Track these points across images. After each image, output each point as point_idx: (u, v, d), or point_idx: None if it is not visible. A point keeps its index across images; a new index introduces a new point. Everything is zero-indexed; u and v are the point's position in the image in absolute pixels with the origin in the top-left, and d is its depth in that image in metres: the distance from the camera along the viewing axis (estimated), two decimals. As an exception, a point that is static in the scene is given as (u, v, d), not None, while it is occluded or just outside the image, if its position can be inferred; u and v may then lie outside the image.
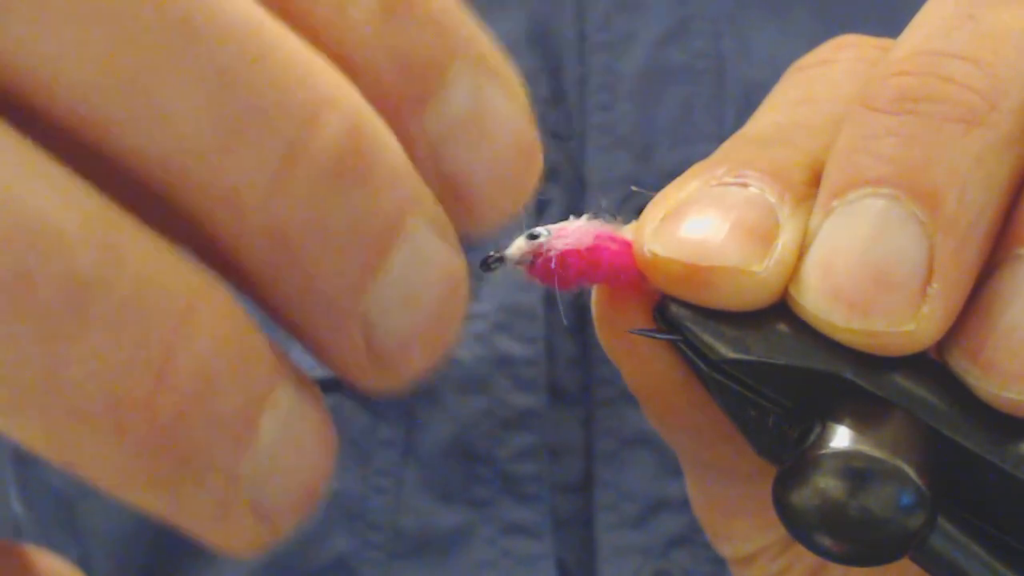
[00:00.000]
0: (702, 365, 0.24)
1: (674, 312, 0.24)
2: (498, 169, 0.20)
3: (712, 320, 0.24)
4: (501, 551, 0.50)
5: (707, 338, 0.24)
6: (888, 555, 0.23)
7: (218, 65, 0.17)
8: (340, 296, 0.18)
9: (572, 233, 0.26)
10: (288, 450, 0.18)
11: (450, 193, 0.19)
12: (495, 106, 0.20)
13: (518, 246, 0.26)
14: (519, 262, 0.26)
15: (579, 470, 0.50)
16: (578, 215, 0.26)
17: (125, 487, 0.18)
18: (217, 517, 0.18)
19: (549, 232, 0.26)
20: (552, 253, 0.26)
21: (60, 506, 0.49)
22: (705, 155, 0.54)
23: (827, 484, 0.23)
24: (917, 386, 0.23)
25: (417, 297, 0.19)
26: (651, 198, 0.51)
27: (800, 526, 0.23)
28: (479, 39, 0.20)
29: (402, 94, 0.19)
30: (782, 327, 0.24)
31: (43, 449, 0.17)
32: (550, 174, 0.50)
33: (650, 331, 0.25)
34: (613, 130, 0.50)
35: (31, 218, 0.16)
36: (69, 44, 0.16)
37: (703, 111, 0.50)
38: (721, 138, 0.51)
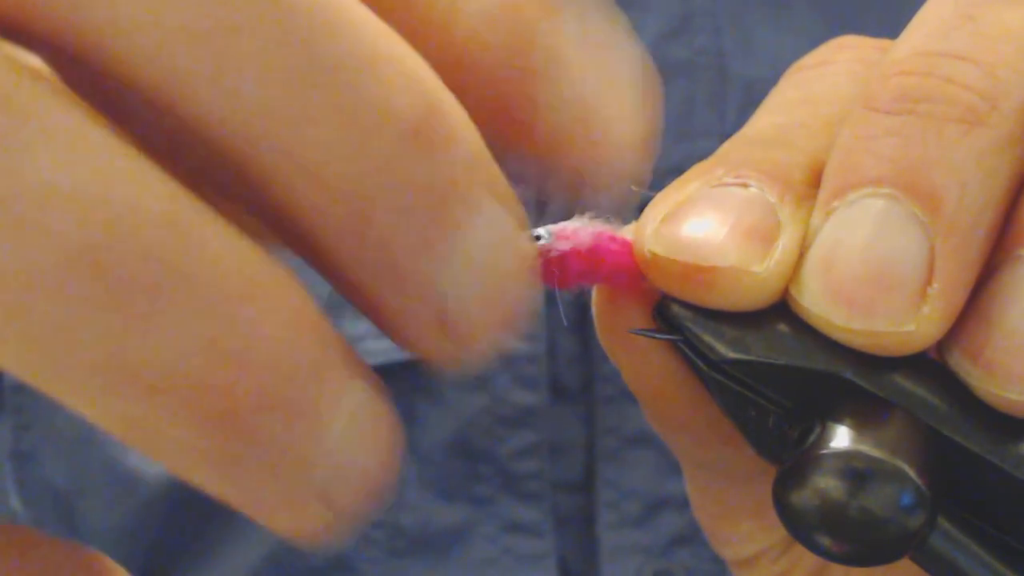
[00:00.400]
0: (702, 365, 0.24)
1: (674, 312, 0.24)
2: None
3: (712, 320, 0.24)
4: (502, 549, 0.50)
5: (707, 338, 0.24)
6: (888, 555, 0.23)
7: (303, 29, 0.17)
8: (415, 264, 0.18)
9: (572, 234, 0.26)
10: (358, 440, 0.18)
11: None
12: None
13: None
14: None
15: (580, 468, 0.50)
16: (580, 213, 0.26)
17: (198, 470, 0.18)
18: (286, 503, 0.18)
19: (550, 233, 0.26)
20: (553, 255, 0.26)
21: (59, 504, 0.49)
22: (707, 151, 0.54)
23: (827, 484, 0.23)
24: (917, 386, 0.23)
25: (489, 270, 0.19)
26: (651, 197, 0.51)
27: (800, 526, 0.23)
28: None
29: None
30: (782, 327, 0.24)
31: (119, 430, 0.17)
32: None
33: (650, 331, 0.25)
34: None
35: (111, 196, 0.16)
36: (152, 4, 0.16)
37: (704, 107, 0.50)
38: (723, 134, 0.51)
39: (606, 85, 0.20)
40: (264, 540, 0.49)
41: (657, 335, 0.25)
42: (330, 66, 0.17)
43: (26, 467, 0.50)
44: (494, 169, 0.19)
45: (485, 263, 0.19)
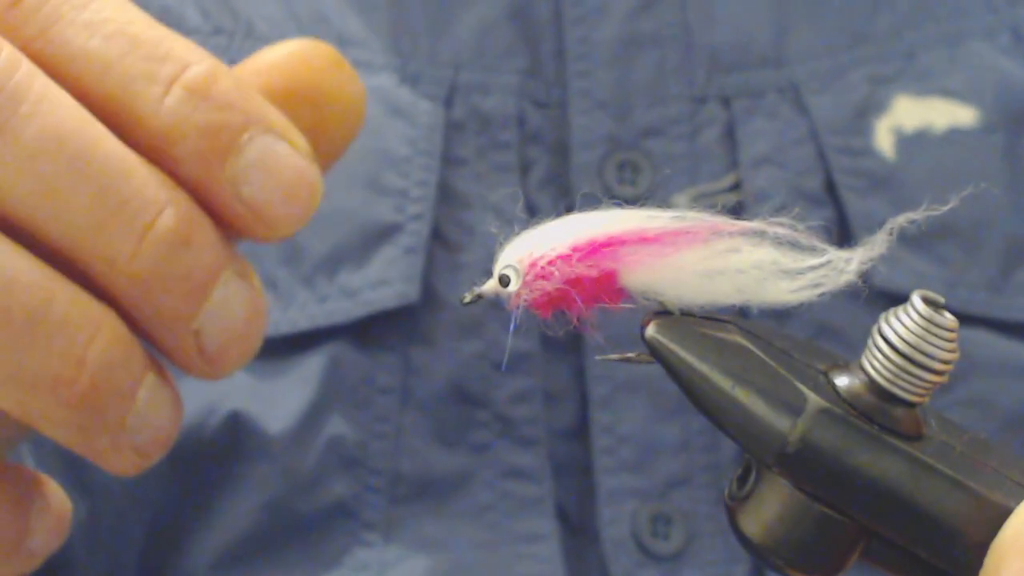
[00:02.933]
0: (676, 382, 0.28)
1: (649, 335, 0.28)
2: (283, 194, 0.30)
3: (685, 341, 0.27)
4: (500, 494, 0.50)
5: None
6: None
7: (95, 187, 0.28)
8: (179, 320, 0.30)
9: (542, 268, 0.28)
10: (155, 410, 0.31)
11: (251, 214, 0.30)
12: (279, 154, 0.30)
13: (491, 286, 0.30)
14: (498, 295, 0.30)
15: (574, 415, 0.51)
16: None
17: (59, 434, 0.29)
18: (113, 453, 0.30)
19: (518, 273, 0.29)
20: (521, 300, 0.29)
21: (71, 465, 0.50)
22: (677, 114, 0.57)
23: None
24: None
25: (231, 318, 0.30)
26: (632, 155, 0.54)
27: (751, 552, 0.28)
28: (266, 110, 0.30)
29: (208, 153, 0.29)
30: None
31: (14, 412, 0.29)
32: (533, 138, 0.53)
33: (624, 357, 0.29)
34: (591, 94, 0.53)
35: None
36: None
37: (674, 74, 0.53)
38: (692, 97, 0.54)
39: (268, 191, 0.30)
40: (260, 490, 0.49)
41: (631, 359, 0.29)
42: (116, 204, 0.29)
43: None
44: (231, 252, 0.30)
45: (228, 313, 0.30)
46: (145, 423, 0.30)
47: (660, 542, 0.50)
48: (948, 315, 0.27)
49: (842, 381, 0.27)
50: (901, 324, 0.27)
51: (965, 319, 0.52)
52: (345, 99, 0.33)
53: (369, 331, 0.50)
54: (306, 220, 0.31)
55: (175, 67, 0.29)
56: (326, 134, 0.32)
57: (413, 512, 0.50)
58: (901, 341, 0.26)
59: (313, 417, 0.50)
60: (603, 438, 0.51)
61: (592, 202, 0.51)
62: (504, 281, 0.29)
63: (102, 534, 0.50)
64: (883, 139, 0.53)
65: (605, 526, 0.50)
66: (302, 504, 0.50)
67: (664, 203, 0.52)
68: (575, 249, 0.29)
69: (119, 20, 0.30)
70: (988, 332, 0.52)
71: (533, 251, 0.29)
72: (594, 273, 0.29)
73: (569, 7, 0.54)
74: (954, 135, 0.53)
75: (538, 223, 0.30)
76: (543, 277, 0.29)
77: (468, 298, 0.30)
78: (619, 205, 0.51)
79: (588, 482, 0.51)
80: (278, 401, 0.50)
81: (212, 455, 0.50)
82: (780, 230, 0.29)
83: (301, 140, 0.31)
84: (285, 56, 0.32)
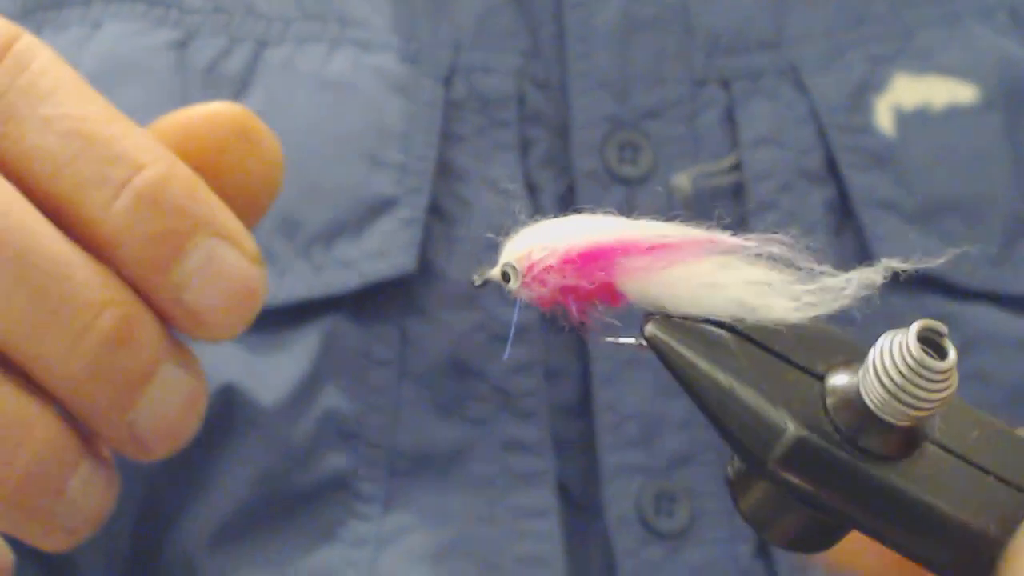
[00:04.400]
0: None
1: (649, 333, 0.28)
2: (224, 301, 0.30)
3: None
4: (500, 467, 0.49)
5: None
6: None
7: (33, 287, 0.29)
8: (113, 413, 0.30)
9: (540, 273, 0.28)
10: (87, 499, 0.31)
11: (191, 319, 0.30)
12: (223, 260, 0.30)
13: (496, 273, 0.30)
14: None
15: (576, 392, 0.51)
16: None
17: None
18: (46, 537, 0.31)
19: (517, 273, 0.29)
20: (522, 296, 0.29)
21: None
22: (678, 96, 0.57)
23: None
24: None
25: (165, 409, 0.31)
26: (633, 136, 0.54)
27: (752, 526, 0.28)
28: (215, 213, 0.30)
29: (152, 260, 0.30)
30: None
31: None
32: (535, 118, 0.53)
33: (625, 343, 0.29)
34: (592, 75, 0.53)
35: None
36: None
37: (673, 57, 0.53)
38: (692, 80, 0.54)
39: (209, 299, 0.30)
40: (254, 463, 0.49)
41: (630, 344, 0.29)
42: (54, 308, 0.29)
43: None
44: (171, 345, 0.30)
45: (164, 406, 0.30)
46: (76, 509, 0.30)
47: (664, 519, 0.50)
48: (947, 354, 0.26)
49: (840, 380, 0.27)
50: (892, 360, 0.26)
51: (968, 294, 0.52)
52: (251, 170, 0.32)
53: (365, 304, 0.50)
54: (248, 324, 0.31)
55: (127, 170, 0.29)
56: (233, 202, 0.31)
57: (412, 485, 0.49)
58: (888, 378, 0.26)
59: (308, 390, 0.49)
60: (607, 415, 0.50)
61: (593, 180, 0.51)
62: (505, 277, 0.29)
63: None
64: (883, 117, 0.53)
65: (609, 503, 0.49)
66: (297, 477, 0.49)
67: (666, 183, 0.52)
68: (569, 261, 0.29)
69: (76, 116, 0.30)
70: (990, 307, 0.52)
71: (533, 253, 0.29)
72: (590, 284, 0.28)
73: None
74: (953, 112, 0.53)
75: (541, 219, 0.30)
76: (540, 282, 0.29)
77: (478, 281, 0.30)
78: (623, 185, 0.52)
79: (591, 459, 0.50)
80: (272, 374, 0.49)
81: (205, 428, 0.49)
82: (777, 248, 0.28)
83: (249, 243, 0.31)
84: (189, 122, 0.32)
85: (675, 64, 0.53)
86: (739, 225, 0.54)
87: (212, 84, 0.52)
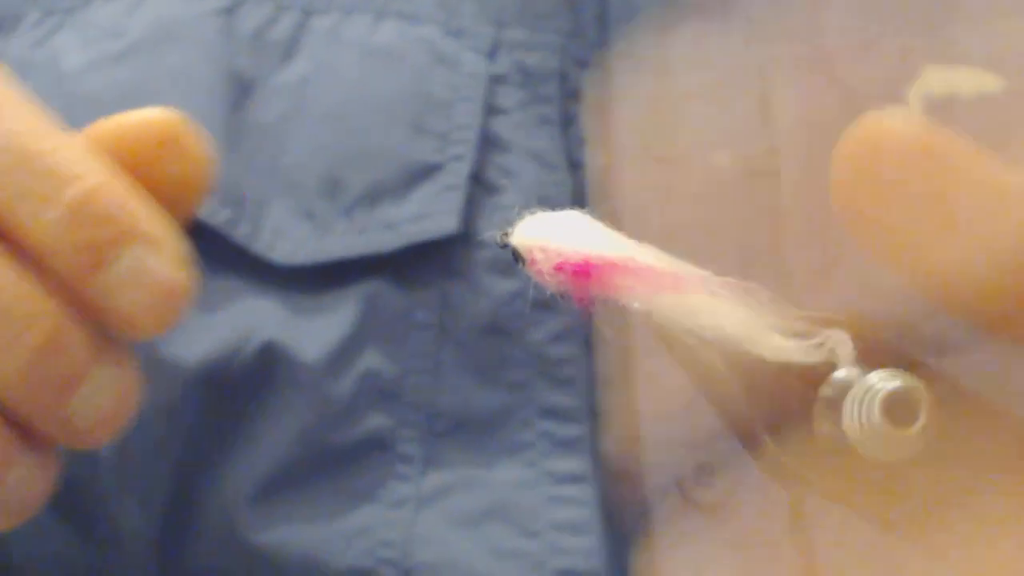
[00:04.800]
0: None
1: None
2: (149, 305, 0.32)
3: None
4: (539, 433, 0.49)
5: None
6: None
7: None
8: (48, 412, 0.32)
9: (540, 268, 0.29)
10: (24, 485, 0.34)
11: (121, 322, 0.32)
12: (148, 267, 0.32)
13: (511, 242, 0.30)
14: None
15: (614, 363, 0.50)
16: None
17: None
18: None
19: (523, 261, 0.30)
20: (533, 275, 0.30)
21: None
22: (720, 78, 0.57)
23: None
24: None
25: (98, 407, 0.33)
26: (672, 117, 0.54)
27: None
28: (142, 222, 0.32)
29: (81, 268, 0.31)
30: None
31: None
32: (575, 94, 0.53)
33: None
34: (632, 54, 0.54)
35: None
36: None
37: (716, 37, 0.54)
38: (731, 65, 0.54)
39: (136, 302, 0.32)
40: (293, 420, 0.49)
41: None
42: None
43: None
44: (101, 350, 0.32)
45: (97, 403, 0.32)
46: (15, 497, 0.33)
47: (704, 490, 0.50)
48: (916, 422, 0.25)
49: (839, 375, 0.26)
50: (857, 417, 0.25)
51: None
52: (182, 173, 0.34)
53: (407, 267, 0.50)
54: (175, 325, 0.33)
55: (57, 183, 0.31)
56: (165, 204, 0.33)
57: (451, 447, 0.49)
58: (855, 429, 0.25)
59: (348, 350, 0.49)
60: (648, 386, 0.50)
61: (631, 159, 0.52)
62: (515, 256, 0.30)
63: (133, 464, 0.49)
64: (913, 105, 0.54)
65: (649, 472, 0.49)
66: (336, 436, 0.49)
67: (704, 161, 0.53)
68: (563, 267, 0.29)
69: (12, 131, 0.31)
70: None
71: (532, 248, 0.30)
72: (585, 292, 0.29)
73: None
74: (982, 102, 0.54)
75: (553, 208, 0.31)
76: (539, 274, 0.30)
77: (501, 242, 0.31)
78: (661, 164, 0.53)
79: (632, 430, 0.50)
80: (313, 333, 0.49)
81: (245, 384, 0.49)
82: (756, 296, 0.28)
83: (175, 247, 0.32)
84: (121, 128, 0.34)
85: (717, 45, 0.54)
86: (774, 210, 0.54)
87: (258, 50, 0.52)
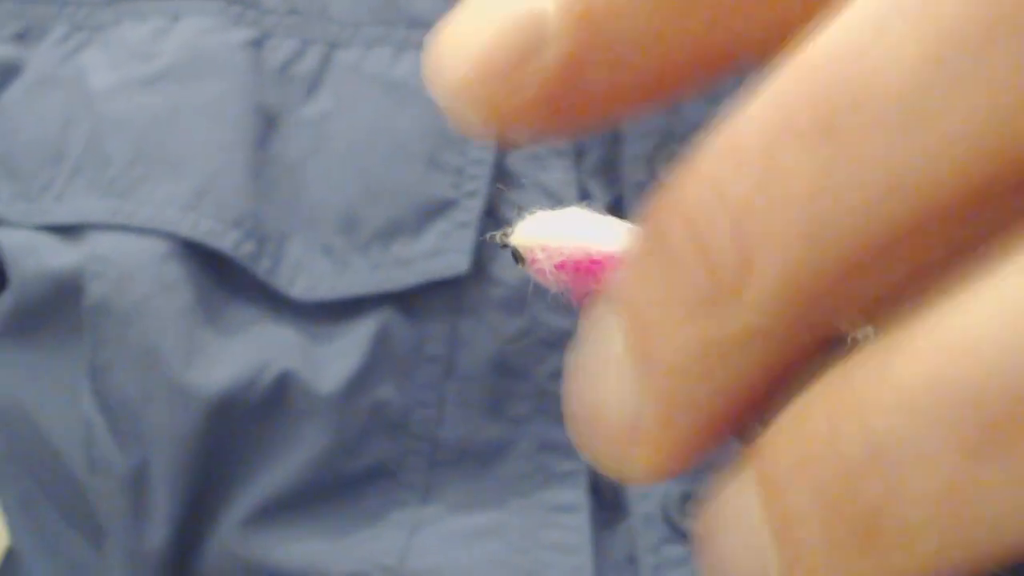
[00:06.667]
0: None
1: None
2: None
3: None
4: (536, 466, 0.52)
5: None
6: None
7: None
8: None
9: (540, 268, 0.30)
10: None
11: None
12: None
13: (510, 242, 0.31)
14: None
15: None
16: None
17: None
18: None
19: (523, 260, 0.30)
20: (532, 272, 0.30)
21: (127, 412, 0.52)
22: (729, 110, 0.58)
23: None
24: None
25: None
26: (683, 149, 0.56)
27: None
28: None
29: None
30: None
31: None
32: None
33: None
34: None
35: None
36: None
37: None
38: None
39: None
40: (308, 448, 0.51)
41: None
42: None
43: (100, 379, 0.53)
44: None
45: None
46: None
47: (689, 520, 0.52)
48: None
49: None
50: None
51: None
52: None
53: (418, 301, 0.52)
54: None
55: None
56: None
57: (452, 475, 0.52)
58: None
59: (362, 380, 0.52)
60: None
61: (643, 192, 0.53)
62: (516, 256, 0.31)
63: (150, 485, 0.52)
64: None
65: (636, 501, 0.52)
66: (345, 464, 0.52)
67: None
68: (565, 266, 0.30)
69: None
70: None
71: (534, 248, 0.31)
72: (588, 290, 0.30)
73: None
74: None
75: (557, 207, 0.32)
76: (540, 273, 0.31)
77: (502, 240, 0.31)
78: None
79: None
80: (328, 363, 0.52)
81: (262, 412, 0.52)
82: None
83: None
84: None
85: (729, 81, 0.55)
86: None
87: (284, 84, 0.54)
